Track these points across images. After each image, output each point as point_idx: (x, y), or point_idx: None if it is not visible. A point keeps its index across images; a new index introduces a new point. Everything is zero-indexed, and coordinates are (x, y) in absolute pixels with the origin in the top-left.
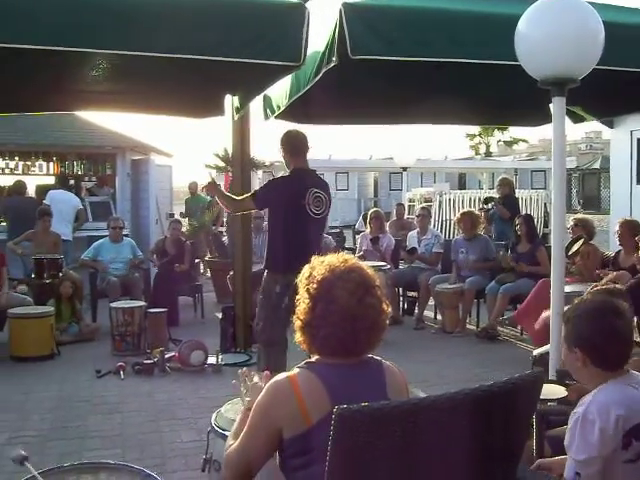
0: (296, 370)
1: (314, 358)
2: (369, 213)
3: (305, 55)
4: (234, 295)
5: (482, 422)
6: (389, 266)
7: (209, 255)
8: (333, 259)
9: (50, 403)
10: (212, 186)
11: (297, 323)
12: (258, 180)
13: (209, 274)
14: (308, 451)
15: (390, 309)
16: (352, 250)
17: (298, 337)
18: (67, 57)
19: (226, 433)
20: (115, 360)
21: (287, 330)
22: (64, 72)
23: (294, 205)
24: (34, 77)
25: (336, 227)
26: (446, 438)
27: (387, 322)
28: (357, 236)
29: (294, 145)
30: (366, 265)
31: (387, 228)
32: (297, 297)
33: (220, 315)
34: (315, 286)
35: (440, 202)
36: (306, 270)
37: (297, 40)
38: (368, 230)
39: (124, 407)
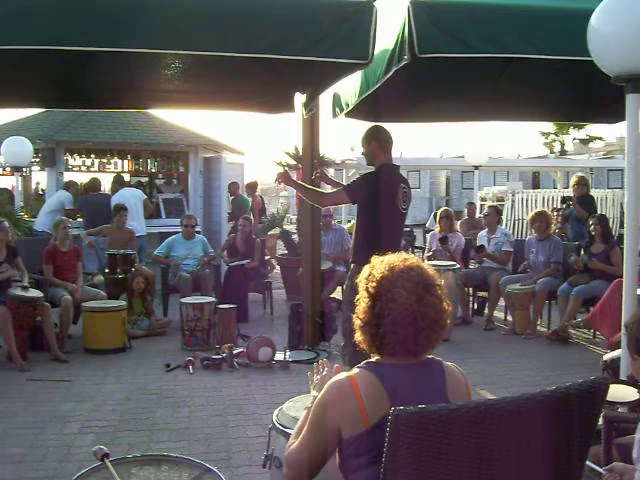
0: (356, 370)
1: (374, 358)
2: (438, 212)
3: (373, 53)
4: (303, 292)
5: (553, 426)
6: (459, 266)
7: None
8: (393, 258)
9: (121, 395)
10: (286, 176)
11: (357, 322)
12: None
13: (279, 271)
14: (367, 452)
15: (451, 308)
16: (422, 249)
17: (358, 336)
18: (141, 57)
19: (287, 430)
20: (184, 355)
21: None
22: (139, 71)
23: (387, 200)
24: (109, 75)
25: (407, 226)
26: (513, 441)
27: (448, 322)
28: (427, 235)
29: (387, 140)
30: (427, 264)
31: (457, 227)
32: (357, 296)
33: (288, 312)
34: (374, 285)
35: (513, 201)
36: (366, 269)
37: (365, 38)
38: (438, 229)
39: (192, 401)
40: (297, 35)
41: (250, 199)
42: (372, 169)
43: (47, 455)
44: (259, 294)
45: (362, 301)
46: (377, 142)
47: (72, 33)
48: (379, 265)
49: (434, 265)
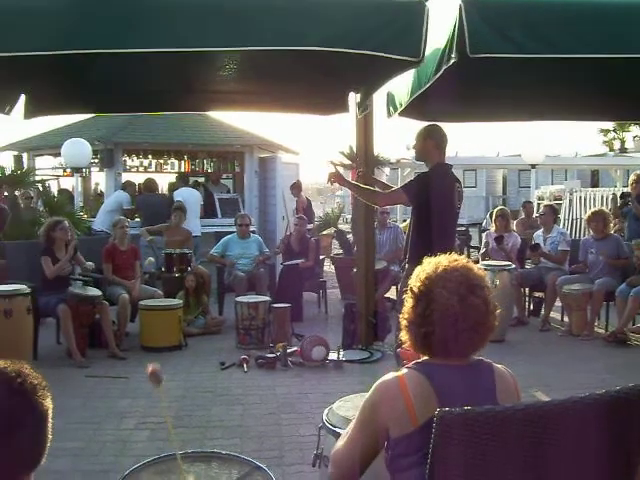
0: (404, 370)
1: (423, 358)
2: (494, 211)
3: (424, 51)
4: (357, 292)
5: (605, 429)
6: (514, 266)
7: None
8: (441, 258)
9: (176, 392)
10: (338, 177)
11: (402, 322)
12: (385, 177)
13: (334, 270)
14: (415, 451)
15: (500, 310)
16: (477, 248)
17: (403, 335)
18: (197, 58)
19: (337, 430)
20: (239, 353)
21: None
22: (195, 73)
23: (444, 199)
24: (166, 78)
25: (462, 225)
26: (563, 444)
27: (495, 324)
28: (483, 234)
29: (443, 139)
30: (480, 265)
31: (514, 227)
32: (406, 299)
33: (343, 311)
34: (418, 285)
35: (570, 200)
36: (416, 269)
37: (416, 36)
38: (493, 229)
39: (246, 399)
40: (348, 32)
41: (296, 199)
42: (423, 167)
43: (103, 449)
44: (314, 293)
45: (407, 301)
46: (434, 141)
47: (126, 36)
48: (427, 265)
49: (489, 265)
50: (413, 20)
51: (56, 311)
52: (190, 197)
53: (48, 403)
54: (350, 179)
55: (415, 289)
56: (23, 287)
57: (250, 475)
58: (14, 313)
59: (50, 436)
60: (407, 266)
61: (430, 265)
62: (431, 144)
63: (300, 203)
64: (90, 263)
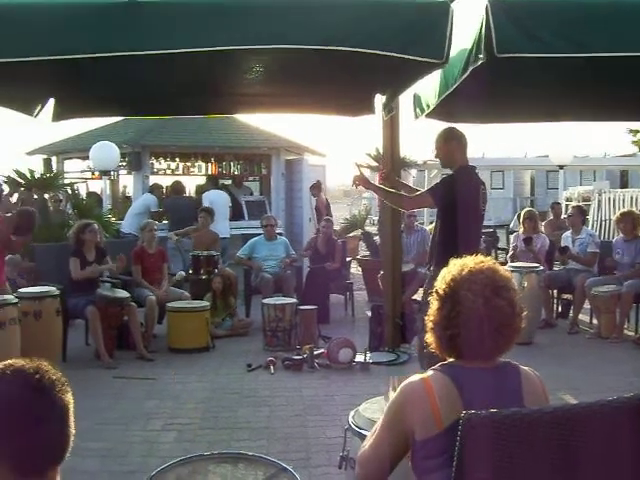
0: (430, 372)
1: (449, 360)
2: (522, 213)
3: (448, 53)
4: (383, 294)
5: (635, 433)
6: (542, 267)
7: None
8: (467, 260)
9: (203, 393)
10: (363, 180)
11: (427, 324)
12: (412, 179)
13: (360, 272)
14: (440, 454)
15: (526, 312)
16: (505, 250)
17: (428, 338)
18: (223, 60)
19: (363, 432)
20: (266, 355)
21: None
22: (222, 75)
23: (470, 202)
24: (193, 81)
25: (490, 227)
26: (591, 447)
27: (521, 326)
28: (511, 236)
29: (465, 141)
30: (508, 266)
31: (542, 228)
32: (431, 301)
33: (369, 314)
34: (444, 287)
35: (599, 201)
36: (442, 271)
37: (440, 38)
38: (521, 230)
39: (272, 401)
40: (371, 33)
41: (315, 199)
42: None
43: (131, 450)
44: (340, 295)
45: (433, 303)
46: (455, 142)
47: (154, 38)
48: (452, 267)
49: (517, 267)
50: (437, 21)
51: (85, 313)
52: (218, 199)
53: (68, 398)
54: (377, 182)
55: (441, 291)
56: (52, 289)
57: (276, 477)
58: (44, 315)
59: (73, 430)
60: (432, 269)
61: (456, 267)
62: (454, 146)
63: (320, 203)
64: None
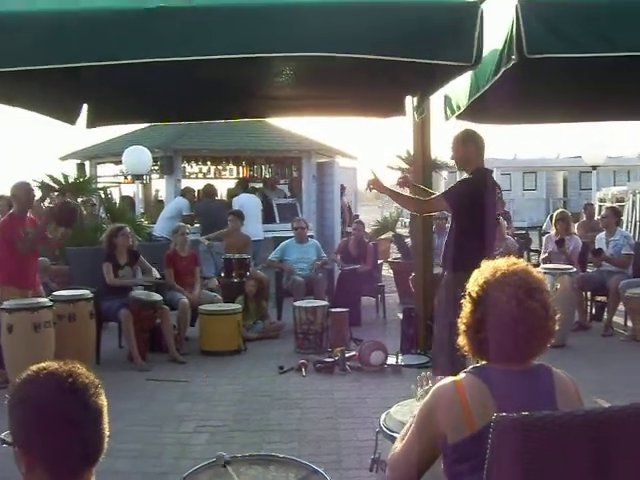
0: (462, 374)
1: (481, 363)
2: (555, 214)
3: (479, 55)
4: (415, 296)
5: None
6: (575, 269)
7: None
8: (500, 262)
9: (235, 396)
10: (377, 183)
11: (460, 327)
12: (444, 181)
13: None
14: (472, 457)
15: (559, 314)
16: (537, 252)
17: (461, 340)
18: (254, 64)
19: (394, 434)
20: (297, 357)
21: None
22: (252, 79)
23: (486, 206)
24: (224, 85)
25: (522, 228)
26: (627, 451)
27: (555, 328)
28: (543, 238)
29: (483, 143)
30: (540, 268)
31: (575, 230)
32: (462, 301)
33: (401, 316)
34: (476, 289)
35: (633, 202)
36: (474, 274)
37: (469, 40)
38: (553, 232)
39: (304, 403)
40: (400, 36)
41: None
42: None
43: (163, 452)
44: (372, 298)
45: (465, 305)
46: (474, 145)
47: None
48: (485, 269)
49: (550, 269)
50: (466, 23)
51: (118, 315)
52: (249, 202)
53: (102, 401)
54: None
55: (473, 294)
56: (86, 292)
57: (307, 479)
58: (77, 317)
59: (107, 432)
60: (447, 273)
61: (488, 269)
62: (472, 149)
63: (342, 206)
64: (155, 274)
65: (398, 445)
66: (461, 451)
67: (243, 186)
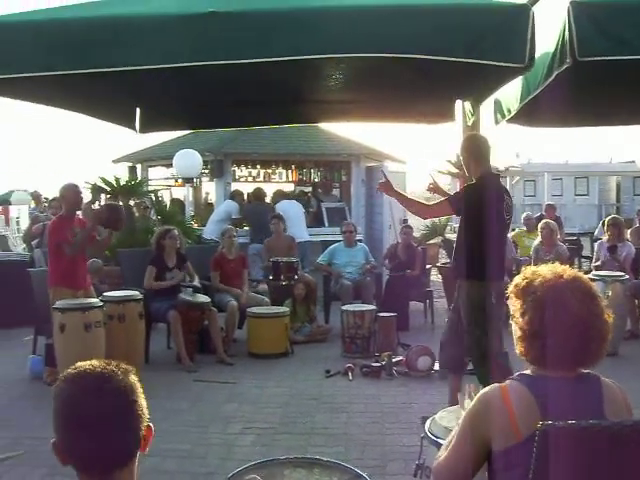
0: (508, 381)
1: (529, 370)
2: (607, 220)
3: (531, 57)
4: None
5: None
6: (628, 276)
7: None
8: (552, 268)
9: (281, 398)
10: (386, 186)
11: (518, 333)
12: None
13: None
14: (518, 465)
15: (613, 320)
16: (589, 259)
17: (519, 347)
18: (304, 68)
19: (439, 440)
20: (344, 361)
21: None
22: (301, 84)
23: (492, 209)
24: (273, 90)
25: (573, 234)
26: None
27: (609, 335)
28: (595, 244)
29: (478, 149)
30: (585, 276)
31: (628, 236)
32: (514, 307)
33: None
34: (540, 294)
35: None
36: (520, 279)
37: (521, 42)
38: (606, 238)
39: (350, 407)
40: (450, 39)
41: None
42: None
43: (210, 452)
44: (420, 303)
45: (525, 311)
46: (468, 153)
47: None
48: (538, 275)
49: (602, 276)
50: (518, 25)
51: (167, 317)
52: (290, 208)
53: (137, 403)
54: (459, 187)
55: (538, 299)
56: (136, 293)
57: None
58: (127, 318)
59: (141, 435)
60: (459, 281)
61: (546, 274)
62: (466, 156)
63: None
64: (196, 283)
65: (443, 452)
66: (507, 459)
67: (282, 194)
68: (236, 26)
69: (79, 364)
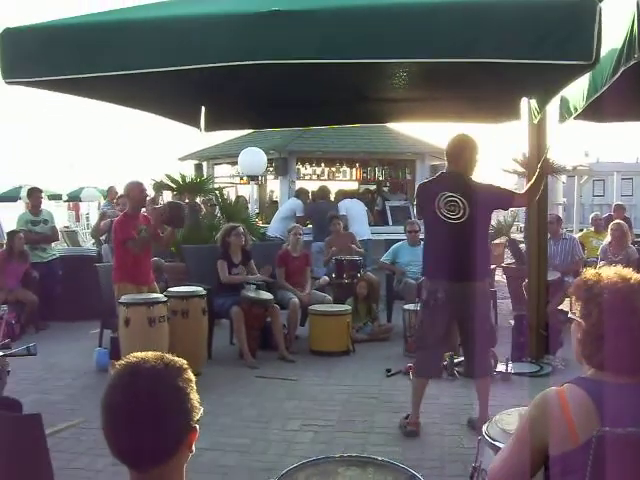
0: (567, 385)
1: (588, 373)
2: None
3: (597, 53)
4: (527, 303)
5: None
6: None
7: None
8: (613, 271)
9: (341, 397)
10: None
11: (578, 335)
12: (562, 185)
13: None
14: (575, 471)
15: None
16: None
17: (579, 350)
18: (367, 69)
19: (496, 443)
20: (406, 361)
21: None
22: (367, 83)
23: (427, 210)
24: (336, 90)
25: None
26: None
27: None
28: None
29: (447, 152)
30: None
31: None
32: (575, 308)
33: (513, 323)
34: (606, 297)
35: None
36: (581, 281)
37: (588, 38)
38: None
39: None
40: (515, 38)
41: None
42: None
43: (269, 448)
44: None
45: (587, 313)
46: (446, 152)
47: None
48: (602, 277)
49: None
50: (583, 21)
51: (230, 313)
52: (352, 205)
53: (185, 402)
54: (524, 186)
55: (603, 303)
56: (199, 289)
57: None
58: (190, 313)
59: (185, 434)
60: (473, 283)
61: (607, 277)
62: (458, 154)
63: None
64: (259, 277)
65: (499, 456)
66: (564, 464)
67: (344, 194)
68: (299, 25)
69: (136, 357)
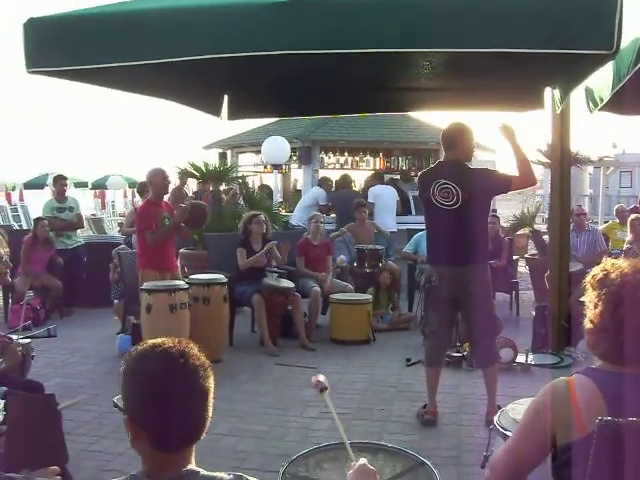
0: (575, 375)
1: (597, 364)
2: None
3: (618, 43)
4: (549, 294)
5: None
6: None
7: None
8: (629, 262)
9: (360, 385)
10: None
11: (589, 325)
12: (589, 176)
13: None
14: (582, 461)
15: None
16: None
17: (589, 340)
18: (391, 58)
19: (507, 433)
20: None
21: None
22: (391, 72)
23: (423, 198)
24: (359, 78)
25: None
26: None
27: None
28: None
29: (443, 140)
30: None
31: None
32: (587, 299)
33: (534, 314)
34: (616, 289)
35: None
36: (597, 271)
37: (609, 27)
38: None
39: None
40: (536, 27)
41: None
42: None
43: (287, 435)
44: (506, 294)
45: (598, 304)
46: (442, 141)
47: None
48: (617, 268)
49: None
50: (605, 10)
51: (251, 301)
52: (385, 193)
53: (209, 384)
54: (550, 178)
55: (614, 293)
56: (220, 277)
57: (414, 470)
58: (212, 301)
59: (209, 415)
60: (475, 267)
61: (622, 268)
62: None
63: None
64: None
65: (503, 445)
66: (570, 454)
67: (379, 178)
68: (321, 14)
69: (159, 340)
